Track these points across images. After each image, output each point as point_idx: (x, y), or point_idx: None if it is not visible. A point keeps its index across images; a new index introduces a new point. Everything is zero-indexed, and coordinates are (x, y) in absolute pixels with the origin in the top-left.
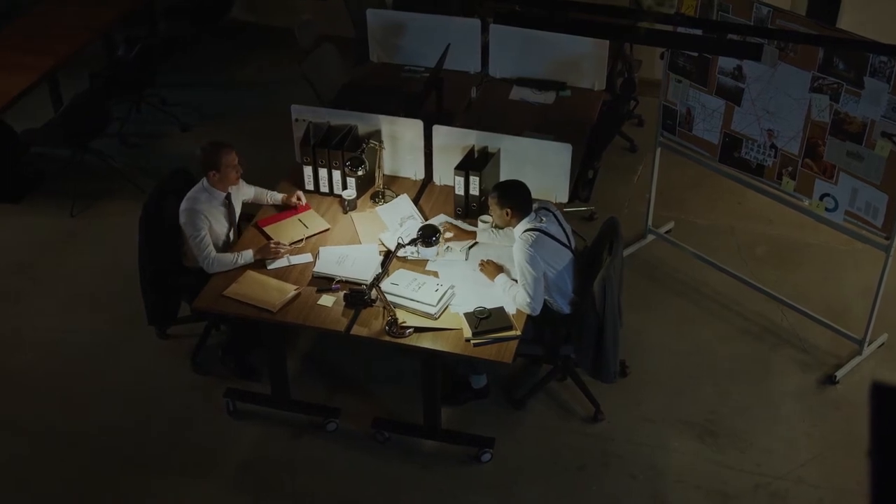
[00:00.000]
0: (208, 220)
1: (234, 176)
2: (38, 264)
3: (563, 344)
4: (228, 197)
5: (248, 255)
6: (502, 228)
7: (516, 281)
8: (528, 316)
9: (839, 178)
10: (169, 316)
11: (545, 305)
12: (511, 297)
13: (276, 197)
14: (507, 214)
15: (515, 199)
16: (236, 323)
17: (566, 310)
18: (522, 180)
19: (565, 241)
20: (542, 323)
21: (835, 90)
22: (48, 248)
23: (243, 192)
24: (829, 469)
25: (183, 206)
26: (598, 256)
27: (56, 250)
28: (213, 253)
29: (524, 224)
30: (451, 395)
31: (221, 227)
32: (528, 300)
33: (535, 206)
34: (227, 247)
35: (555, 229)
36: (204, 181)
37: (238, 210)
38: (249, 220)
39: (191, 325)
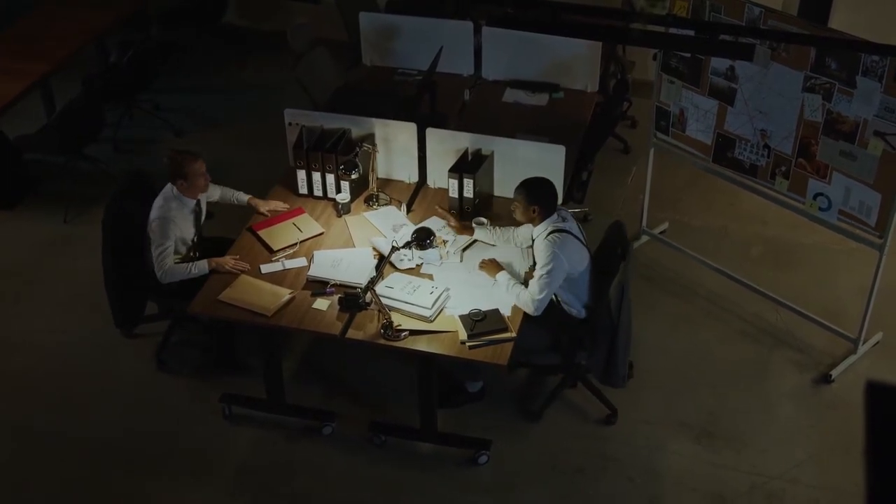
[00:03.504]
0: (178, 227)
1: (203, 184)
2: (34, 268)
3: (578, 350)
4: (198, 203)
5: (202, 266)
6: (519, 225)
7: (521, 282)
8: (543, 326)
9: (832, 178)
10: (136, 316)
11: (562, 311)
12: (514, 294)
13: (242, 198)
14: (534, 212)
15: (545, 198)
16: (218, 327)
17: (582, 314)
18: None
19: (584, 242)
20: (558, 330)
21: (827, 90)
22: (44, 252)
23: (209, 194)
24: (826, 469)
25: (155, 213)
26: (607, 261)
27: (52, 255)
28: (169, 264)
29: (547, 224)
30: (445, 398)
31: (189, 233)
32: (538, 297)
33: None
34: (191, 249)
35: (576, 230)
36: (173, 189)
37: (204, 212)
38: (209, 217)
39: (156, 324)
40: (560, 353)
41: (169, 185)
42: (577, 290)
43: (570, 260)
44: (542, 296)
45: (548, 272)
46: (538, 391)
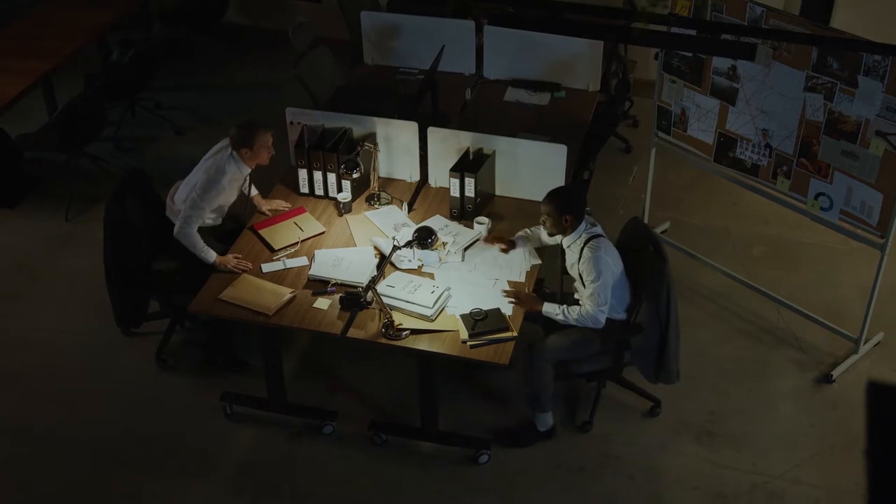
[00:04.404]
0: (224, 193)
1: (266, 156)
2: (35, 267)
3: (625, 352)
4: (249, 175)
5: (210, 255)
6: (553, 236)
7: (562, 303)
8: (591, 334)
9: (834, 178)
10: (139, 315)
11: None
12: (573, 318)
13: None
14: (566, 222)
15: (576, 206)
16: (212, 323)
17: (623, 315)
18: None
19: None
20: (605, 334)
21: (829, 89)
22: (45, 251)
23: None
24: (827, 468)
25: (206, 172)
26: (630, 258)
27: (53, 253)
28: (192, 228)
29: (580, 232)
30: (516, 436)
31: (228, 201)
32: (600, 308)
33: None
34: (223, 214)
35: (599, 230)
36: (232, 152)
37: (250, 187)
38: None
39: (157, 323)
40: (610, 356)
41: (225, 145)
42: (619, 293)
43: (613, 263)
44: (603, 306)
45: (602, 282)
46: (565, 397)
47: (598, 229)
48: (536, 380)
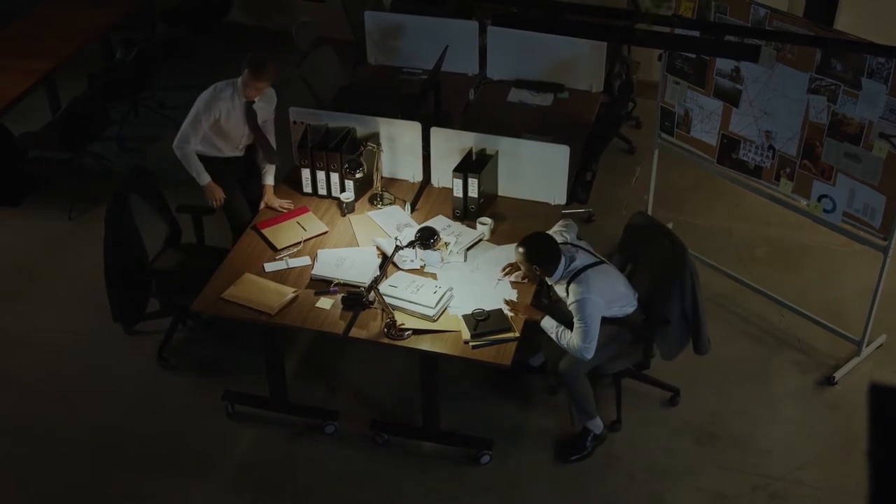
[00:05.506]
0: (221, 113)
1: (251, 93)
2: (37, 266)
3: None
4: (250, 107)
5: (204, 178)
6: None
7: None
8: (613, 335)
9: (837, 180)
10: (137, 313)
11: (619, 319)
12: (564, 343)
13: (266, 180)
14: (537, 270)
15: (544, 258)
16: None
17: (636, 306)
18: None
19: (595, 256)
20: (627, 332)
21: (832, 91)
22: (47, 250)
23: (263, 116)
24: (828, 470)
25: (207, 92)
26: (641, 247)
27: (55, 252)
28: (189, 149)
29: (559, 275)
30: (574, 444)
31: (234, 127)
32: (585, 345)
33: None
34: (233, 146)
35: (583, 255)
36: (238, 79)
37: (258, 122)
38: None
39: (158, 322)
40: (636, 352)
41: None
42: (623, 302)
43: (603, 292)
44: (588, 343)
45: (586, 322)
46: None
47: (579, 262)
48: (576, 395)
